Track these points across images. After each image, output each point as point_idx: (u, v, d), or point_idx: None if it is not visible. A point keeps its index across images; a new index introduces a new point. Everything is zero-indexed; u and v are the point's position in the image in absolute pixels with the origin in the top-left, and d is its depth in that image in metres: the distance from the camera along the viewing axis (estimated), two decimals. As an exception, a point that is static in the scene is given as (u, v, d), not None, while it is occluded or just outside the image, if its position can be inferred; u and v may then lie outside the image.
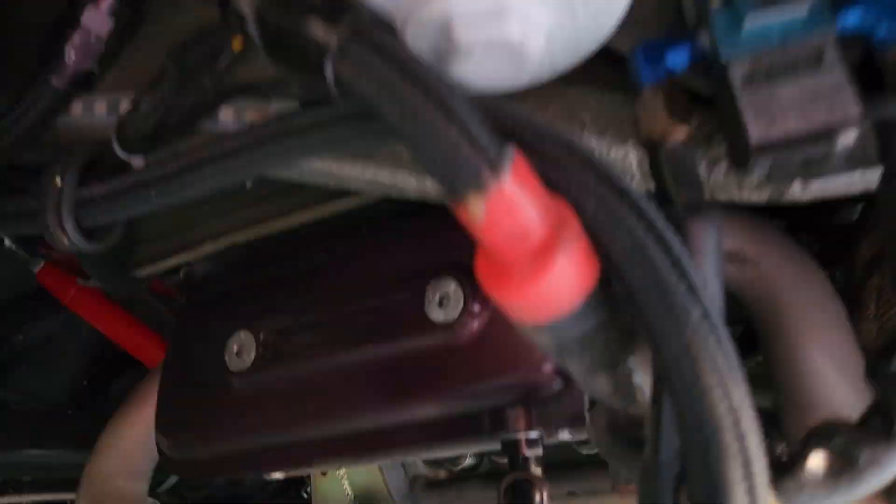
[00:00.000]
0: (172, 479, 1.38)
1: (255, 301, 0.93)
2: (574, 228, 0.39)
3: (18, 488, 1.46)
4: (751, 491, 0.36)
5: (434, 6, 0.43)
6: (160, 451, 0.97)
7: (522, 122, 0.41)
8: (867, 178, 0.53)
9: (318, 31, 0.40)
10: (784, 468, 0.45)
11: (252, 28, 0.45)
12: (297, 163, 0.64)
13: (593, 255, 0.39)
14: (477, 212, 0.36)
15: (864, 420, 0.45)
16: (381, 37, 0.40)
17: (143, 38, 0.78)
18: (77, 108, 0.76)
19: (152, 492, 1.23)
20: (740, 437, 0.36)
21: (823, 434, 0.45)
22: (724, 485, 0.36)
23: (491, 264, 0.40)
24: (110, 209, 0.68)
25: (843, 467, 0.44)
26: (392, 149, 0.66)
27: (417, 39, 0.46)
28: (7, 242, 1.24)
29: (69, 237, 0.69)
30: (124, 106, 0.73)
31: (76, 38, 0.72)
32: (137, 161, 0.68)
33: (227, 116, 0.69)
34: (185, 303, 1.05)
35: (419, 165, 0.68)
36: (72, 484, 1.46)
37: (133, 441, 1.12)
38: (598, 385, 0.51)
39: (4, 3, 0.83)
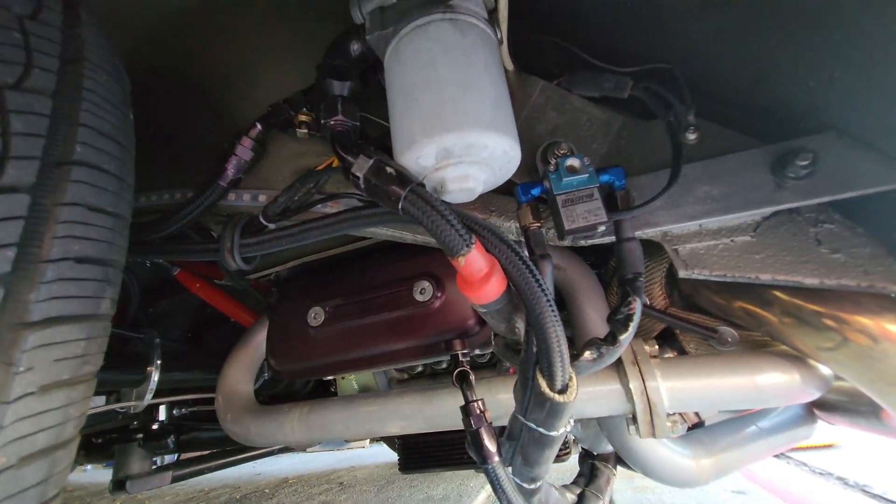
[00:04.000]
0: (260, 382, 1.30)
1: (321, 291, 0.94)
2: (497, 267, 0.50)
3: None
4: (562, 364, 0.47)
5: (436, 174, 0.52)
6: (270, 366, 0.96)
7: (477, 221, 0.51)
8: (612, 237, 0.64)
9: (395, 188, 0.47)
10: (575, 357, 0.55)
11: (360, 182, 0.50)
12: (359, 230, 0.68)
13: (504, 278, 0.51)
14: (461, 262, 0.48)
15: (606, 337, 0.56)
16: (422, 191, 0.48)
17: (265, 159, 0.79)
18: (232, 196, 0.77)
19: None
20: (559, 343, 0.48)
21: (589, 344, 0.56)
22: (553, 362, 0.47)
23: (465, 282, 0.50)
24: (258, 249, 0.70)
25: (598, 356, 0.55)
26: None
27: (427, 184, 0.55)
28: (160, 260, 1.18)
29: (236, 262, 0.72)
30: (262, 197, 0.76)
31: (233, 160, 0.74)
32: (271, 226, 0.72)
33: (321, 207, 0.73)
34: (279, 292, 1.03)
35: (415, 228, 0.75)
36: (204, 390, 1.41)
37: (245, 363, 1.10)
38: (501, 328, 0.60)
39: (189, 142, 0.84)
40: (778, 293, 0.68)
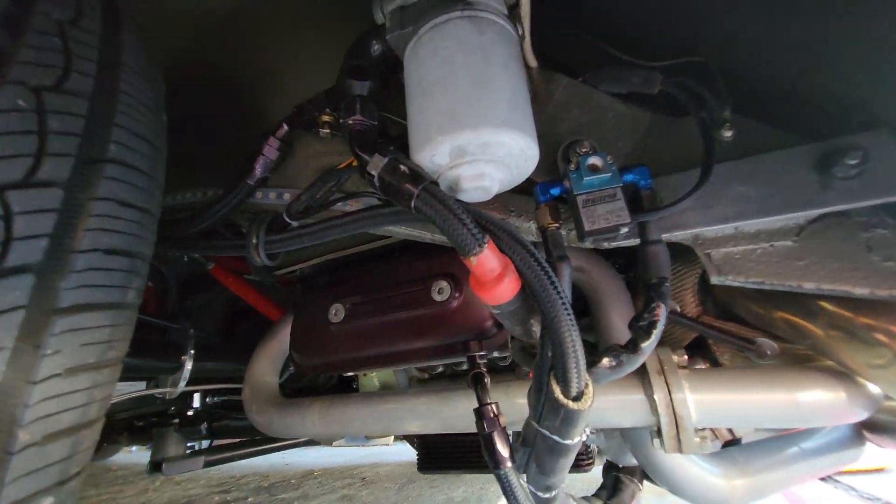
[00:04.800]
0: (285, 376, 1.34)
1: (342, 288, 0.95)
2: (511, 268, 0.49)
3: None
4: (577, 370, 0.45)
5: (451, 173, 0.51)
6: (293, 360, 0.98)
7: (491, 220, 0.50)
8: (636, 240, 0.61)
9: (409, 186, 0.47)
10: (592, 364, 0.52)
11: (375, 180, 0.50)
12: (377, 228, 0.69)
13: (518, 279, 0.49)
14: (473, 262, 0.47)
15: (626, 345, 0.53)
16: (435, 189, 0.48)
17: (291, 158, 0.81)
18: (259, 194, 0.79)
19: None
20: (574, 348, 0.46)
21: (609, 350, 0.53)
22: (568, 368, 0.46)
23: (477, 282, 0.49)
24: (282, 246, 0.72)
25: (617, 364, 0.52)
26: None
27: (442, 183, 0.55)
28: (196, 255, 1.24)
29: (261, 259, 0.74)
30: (287, 195, 0.77)
31: (260, 160, 0.76)
32: (294, 224, 0.73)
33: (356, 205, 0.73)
34: (302, 288, 1.05)
35: (432, 228, 0.75)
36: (235, 380, 1.46)
37: (271, 356, 1.13)
38: (517, 331, 0.60)
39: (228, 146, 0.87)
40: (824, 304, 0.62)
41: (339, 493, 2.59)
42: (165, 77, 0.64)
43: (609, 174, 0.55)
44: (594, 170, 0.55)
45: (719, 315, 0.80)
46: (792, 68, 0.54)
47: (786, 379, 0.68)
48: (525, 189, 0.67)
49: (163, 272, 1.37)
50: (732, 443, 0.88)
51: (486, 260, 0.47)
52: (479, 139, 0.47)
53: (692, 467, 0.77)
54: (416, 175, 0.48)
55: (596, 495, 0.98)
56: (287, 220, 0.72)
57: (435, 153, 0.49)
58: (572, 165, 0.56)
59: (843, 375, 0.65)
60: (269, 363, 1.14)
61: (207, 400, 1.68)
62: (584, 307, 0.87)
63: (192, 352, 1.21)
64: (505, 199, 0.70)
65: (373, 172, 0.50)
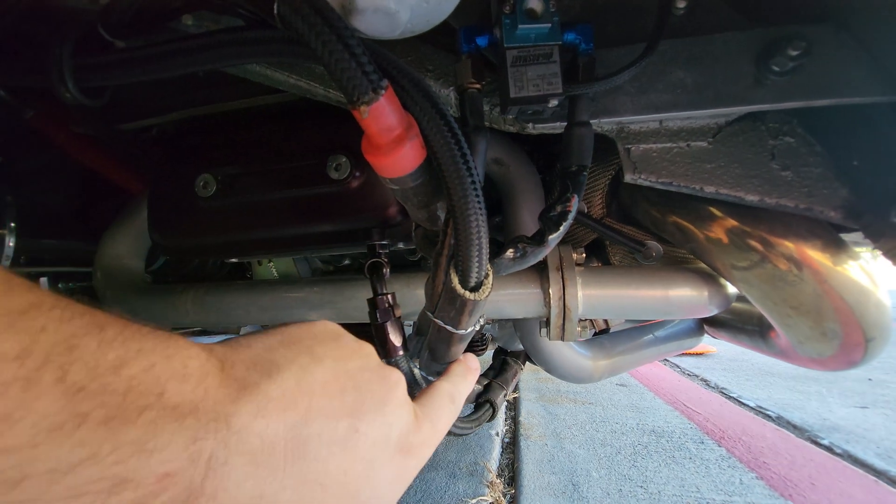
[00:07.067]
0: (161, 261, 1.14)
1: (214, 155, 0.75)
2: (415, 130, 0.38)
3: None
4: (479, 258, 0.40)
5: None
6: (153, 241, 0.80)
7: (396, 65, 0.38)
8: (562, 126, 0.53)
9: (268, -23, 0.31)
10: (495, 254, 0.47)
11: (217, -38, 0.33)
12: (241, 63, 0.51)
13: (423, 146, 0.39)
14: (364, 113, 0.35)
15: (533, 236, 0.49)
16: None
17: None
18: (61, -9, 0.53)
19: (147, 270, 1.06)
20: (479, 234, 0.39)
21: (514, 241, 0.48)
22: (469, 256, 0.39)
23: (370, 144, 0.38)
24: (102, 75, 0.50)
25: (521, 255, 0.48)
26: (308, 65, 0.57)
27: (331, -3, 0.39)
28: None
29: (70, 92, 0.51)
30: None
31: (52, -70, 0.50)
32: (119, 44, 0.52)
33: (187, 21, 0.51)
34: (162, 152, 0.82)
35: (326, 80, 0.60)
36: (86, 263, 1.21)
37: (132, 236, 0.92)
38: (420, 215, 0.51)
39: None
40: (713, 209, 0.64)
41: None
42: None
43: (549, 26, 0.43)
44: (532, 16, 0.43)
45: (620, 218, 0.81)
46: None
47: (661, 278, 0.72)
48: (450, 47, 0.53)
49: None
50: (604, 331, 0.98)
51: (383, 113, 0.35)
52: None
53: (567, 351, 0.84)
54: (282, -38, 0.31)
55: (484, 374, 1.06)
56: (104, 34, 0.49)
57: (314, -68, 0.32)
58: (507, 7, 0.43)
59: (709, 276, 0.71)
60: (128, 243, 0.93)
61: (59, 285, 1.40)
62: (497, 204, 0.81)
63: (13, 225, 0.93)
64: (423, 55, 0.56)
65: (211, -54, 0.32)
